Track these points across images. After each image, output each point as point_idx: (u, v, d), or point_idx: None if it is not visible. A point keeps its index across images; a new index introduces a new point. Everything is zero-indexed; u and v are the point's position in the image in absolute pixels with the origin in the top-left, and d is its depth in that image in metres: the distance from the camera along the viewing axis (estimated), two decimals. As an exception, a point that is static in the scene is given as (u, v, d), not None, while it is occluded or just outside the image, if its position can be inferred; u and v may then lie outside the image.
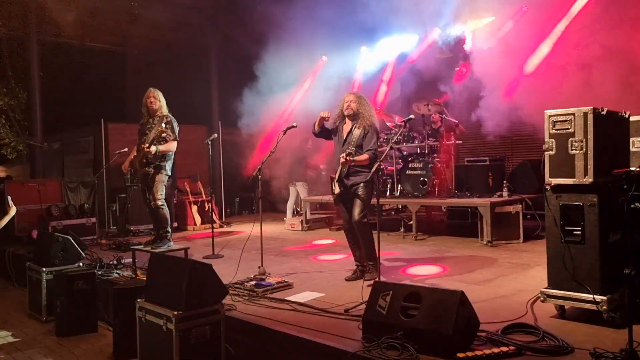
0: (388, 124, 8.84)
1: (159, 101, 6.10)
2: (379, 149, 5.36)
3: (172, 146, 6.06)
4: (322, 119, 5.21)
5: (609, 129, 3.65)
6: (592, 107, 3.51)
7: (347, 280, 5.17)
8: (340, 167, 5.02)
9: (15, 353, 4.79)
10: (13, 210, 5.22)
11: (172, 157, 6.20)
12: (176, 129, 6.10)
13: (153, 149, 5.86)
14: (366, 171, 4.94)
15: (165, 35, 11.45)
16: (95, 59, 13.43)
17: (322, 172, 10.27)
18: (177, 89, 9.06)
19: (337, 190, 5.07)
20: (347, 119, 5.20)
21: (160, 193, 6.03)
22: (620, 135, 3.88)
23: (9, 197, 5.60)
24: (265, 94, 10.40)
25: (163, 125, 5.95)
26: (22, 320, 5.70)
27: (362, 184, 4.98)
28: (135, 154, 6.20)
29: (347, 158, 4.93)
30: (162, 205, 6.05)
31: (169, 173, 6.15)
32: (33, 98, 11.13)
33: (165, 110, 6.14)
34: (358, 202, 4.99)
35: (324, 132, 5.33)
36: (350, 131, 5.10)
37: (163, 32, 11.32)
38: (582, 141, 3.51)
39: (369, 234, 5.03)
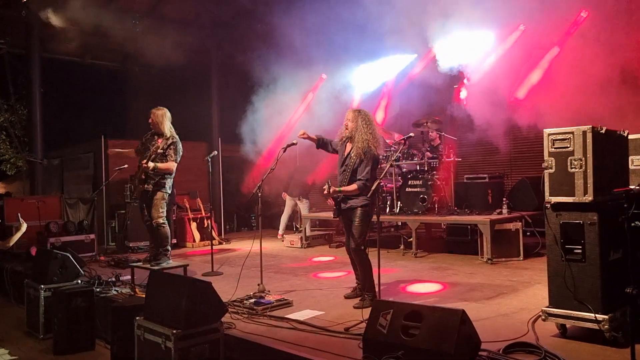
0: (387, 141, 8.87)
1: (156, 122, 6.07)
2: (380, 166, 5.35)
3: (171, 166, 6.03)
4: (305, 139, 5.23)
5: (608, 148, 3.68)
6: (591, 126, 3.53)
7: (346, 297, 5.14)
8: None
9: (12, 371, 4.74)
10: (24, 227, 5.22)
11: (172, 176, 6.19)
12: (179, 151, 6.09)
13: (151, 164, 5.87)
14: (362, 195, 4.79)
15: (167, 53, 11.58)
16: (97, 76, 13.53)
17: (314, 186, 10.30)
18: (178, 105, 9.11)
19: (334, 214, 5.02)
20: (348, 139, 4.99)
21: (162, 211, 6.01)
22: (619, 154, 3.90)
23: (19, 214, 5.64)
24: (266, 111, 10.45)
25: (160, 143, 5.97)
26: (19, 338, 5.65)
27: (358, 208, 4.80)
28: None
29: (331, 191, 4.74)
30: (164, 223, 6.03)
31: (169, 191, 6.14)
32: (33, 114, 11.17)
33: (168, 130, 6.13)
34: (354, 228, 4.82)
35: (322, 146, 5.28)
36: (349, 154, 4.91)
37: (164, 50, 11.43)
38: (581, 160, 3.53)
39: (366, 262, 4.86)
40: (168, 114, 6.18)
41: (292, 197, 10.05)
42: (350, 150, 4.92)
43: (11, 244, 4.97)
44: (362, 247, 4.85)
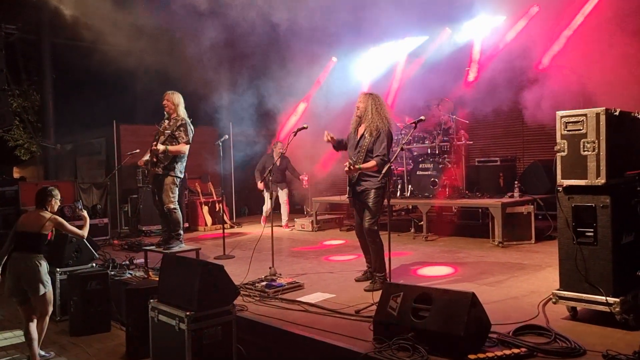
0: (398, 124, 8.83)
1: (172, 104, 6.11)
2: (391, 149, 5.30)
3: (183, 148, 6.03)
4: (328, 142, 5.17)
5: (622, 130, 3.63)
6: (604, 108, 3.48)
7: (357, 280, 5.18)
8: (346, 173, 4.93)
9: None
10: (86, 215, 5.28)
11: (185, 160, 6.19)
12: (190, 133, 6.08)
13: (161, 147, 5.88)
14: (377, 176, 4.81)
15: (175, 37, 11.53)
16: (108, 61, 13.53)
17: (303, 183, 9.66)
18: (189, 89, 9.12)
19: (348, 194, 5.05)
20: (361, 121, 5.03)
21: (172, 196, 6.00)
22: (633, 136, 3.84)
23: (80, 203, 5.67)
24: (276, 95, 10.43)
25: (175, 124, 5.99)
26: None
27: (372, 190, 4.84)
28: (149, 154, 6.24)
29: (351, 167, 4.78)
30: (175, 208, 6.04)
31: (180, 175, 6.14)
32: (46, 100, 11.26)
33: (182, 113, 6.15)
34: (367, 208, 4.87)
35: (341, 146, 5.25)
36: (363, 135, 4.94)
37: (172, 34, 11.39)
38: (594, 142, 3.49)
39: (378, 242, 4.89)
40: (181, 98, 6.21)
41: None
42: (364, 132, 4.94)
43: (86, 233, 5.05)
44: (375, 227, 4.88)
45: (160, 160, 5.98)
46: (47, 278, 4.56)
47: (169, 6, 10.28)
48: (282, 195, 9.55)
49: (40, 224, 4.56)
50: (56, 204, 4.81)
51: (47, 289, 4.53)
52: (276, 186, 9.33)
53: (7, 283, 4.50)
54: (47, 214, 4.66)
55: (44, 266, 4.54)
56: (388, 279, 4.70)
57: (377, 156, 4.83)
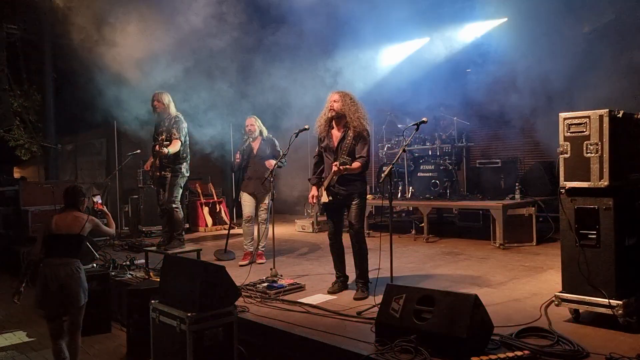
0: (400, 126, 8.83)
1: (163, 104, 6.09)
2: (391, 151, 5.29)
3: (177, 145, 5.95)
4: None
5: (625, 132, 3.62)
6: (607, 110, 3.48)
7: (329, 292, 4.86)
8: (331, 174, 4.68)
9: (30, 353, 4.85)
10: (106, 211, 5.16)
11: (188, 158, 6.19)
12: (183, 130, 6.04)
13: (165, 150, 5.88)
14: (360, 179, 4.73)
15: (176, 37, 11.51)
16: (108, 60, 13.54)
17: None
18: (188, 90, 9.10)
19: (324, 199, 4.78)
20: (334, 123, 4.81)
21: (176, 195, 6.05)
22: (637, 138, 3.84)
23: (98, 201, 5.52)
24: (276, 95, 10.41)
25: (170, 122, 5.99)
26: (36, 321, 5.74)
27: (357, 194, 4.72)
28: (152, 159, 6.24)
29: (340, 167, 4.53)
30: (177, 207, 6.07)
31: (187, 174, 6.18)
32: (47, 100, 11.24)
33: (173, 110, 6.14)
34: (354, 212, 4.73)
35: (320, 170, 5.00)
36: (343, 138, 4.72)
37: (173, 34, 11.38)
38: (597, 144, 3.49)
39: (365, 247, 4.78)
40: (170, 96, 6.20)
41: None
42: (344, 135, 4.73)
43: (114, 230, 4.85)
44: (362, 232, 4.80)
45: (166, 164, 6.00)
46: (86, 285, 4.21)
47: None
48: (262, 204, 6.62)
49: (80, 225, 4.21)
50: (85, 203, 4.54)
51: (86, 297, 4.22)
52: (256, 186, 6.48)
53: (39, 293, 4.15)
54: (84, 215, 4.34)
55: (83, 272, 4.20)
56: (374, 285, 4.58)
57: (361, 157, 4.67)
